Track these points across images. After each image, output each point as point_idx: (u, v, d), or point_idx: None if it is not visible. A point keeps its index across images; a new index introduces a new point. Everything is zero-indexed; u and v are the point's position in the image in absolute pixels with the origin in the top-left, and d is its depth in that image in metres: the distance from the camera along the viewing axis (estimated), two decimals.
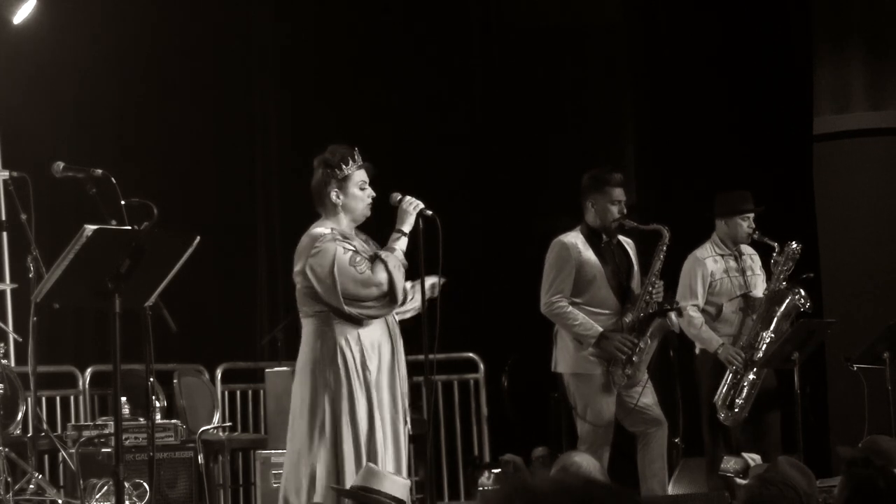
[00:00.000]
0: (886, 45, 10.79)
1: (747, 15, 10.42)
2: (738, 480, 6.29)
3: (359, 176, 6.51)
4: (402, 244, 6.51)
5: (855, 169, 10.90)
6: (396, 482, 6.00)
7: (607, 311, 7.81)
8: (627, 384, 7.76)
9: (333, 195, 6.48)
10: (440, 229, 6.40)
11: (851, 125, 10.83)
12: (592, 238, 7.88)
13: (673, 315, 8.00)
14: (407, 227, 6.51)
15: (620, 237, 7.96)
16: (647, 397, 7.82)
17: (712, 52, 10.49)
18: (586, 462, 5.83)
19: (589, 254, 7.82)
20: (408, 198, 6.55)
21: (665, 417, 7.90)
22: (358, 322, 6.40)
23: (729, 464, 6.46)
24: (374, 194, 6.54)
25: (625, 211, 7.84)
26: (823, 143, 10.67)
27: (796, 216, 10.12)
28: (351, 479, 6.19)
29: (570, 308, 7.76)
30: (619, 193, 7.85)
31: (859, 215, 10.73)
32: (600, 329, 7.72)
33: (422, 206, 6.54)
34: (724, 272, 8.41)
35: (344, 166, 6.48)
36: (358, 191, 6.51)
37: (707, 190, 8.67)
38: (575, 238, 7.87)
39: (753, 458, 6.49)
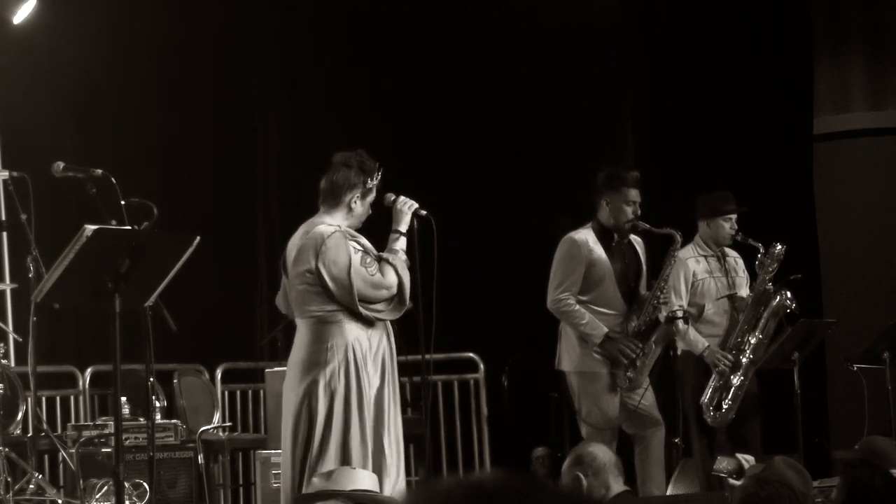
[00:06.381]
0: (886, 46, 10.79)
1: (747, 15, 10.43)
2: (732, 481, 6.28)
3: (374, 192, 6.55)
4: (401, 244, 6.53)
5: (855, 169, 10.90)
6: (366, 476, 5.99)
7: (613, 312, 7.79)
8: (629, 387, 7.75)
9: (354, 200, 6.50)
10: (435, 229, 6.42)
11: (851, 125, 10.83)
12: (604, 236, 7.84)
13: (680, 322, 7.98)
14: (404, 227, 6.53)
15: (631, 236, 7.93)
16: (646, 399, 7.81)
17: (712, 52, 10.50)
18: (602, 454, 5.79)
19: (599, 252, 7.78)
20: (402, 198, 6.57)
21: (663, 419, 7.89)
22: (369, 323, 6.40)
23: (722, 464, 6.45)
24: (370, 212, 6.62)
25: (639, 212, 7.81)
26: (823, 143, 10.67)
27: (796, 216, 10.13)
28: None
29: (578, 307, 7.73)
30: (634, 194, 7.81)
31: (859, 215, 10.73)
32: (606, 329, 7.70)
33: (416, 205, 6.56)
34: (706, 273, 8.37)
35: (374, 178, 6.52)
36: (369, 204, 6.55)
37: (706, 190, 8.67)
38: (586, 235, 7.83)
39: (747, 459, 6.48)
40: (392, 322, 6.59)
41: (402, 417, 6.59)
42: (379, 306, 6.42)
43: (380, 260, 6.46)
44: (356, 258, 6.36)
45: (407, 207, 6.55)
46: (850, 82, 10.81)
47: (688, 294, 8.30)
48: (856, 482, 4.48)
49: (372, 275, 6.37)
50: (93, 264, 5.65)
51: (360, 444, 6.31)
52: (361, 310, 6.35)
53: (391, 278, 6.41)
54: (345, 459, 6.26)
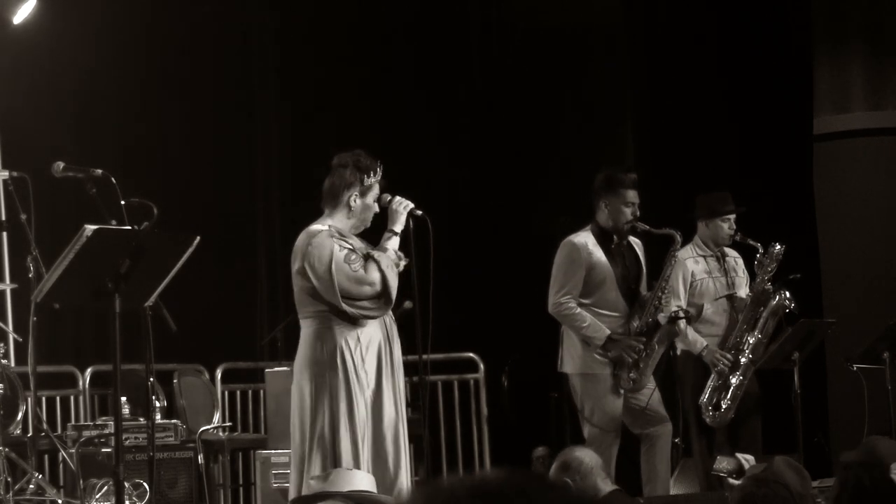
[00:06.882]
0: (886, 45, 10.78)
1: (747, 15, 10.43)
2: (732, 481, 6.29)
3: (377, 188, 6.56)
4: (393, 244, 6.54)
5: (855, 169, 10.90)
6: (364, 477, 6.00)
7: (616, 314, 7.78)
8: (633, 388, 7.74)
9: (352, 198, 6.51)
10: (431, 229, 6.44)
11: (851, 125, 10.82)
12: (603, 239, 7.83)
13: (682, 322, 7.98)
14: (398, 227, 6.55)
15: (630, 238, 7.93)
16: (653, 399, 7.81)
17: (712, 52, 10.50)
18: (588, 457, 5.82)
19: (599, 255, 7.77)
20: (398, 198, 6.59)
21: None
22: (355, 321, 6.41)
23: (722, 464, 6.45)
24: (377, 210, 6.61)
25: (638, 213, 7.80)
26: (823, 143, 10.67)
27: (796, 216, 10.13)
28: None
29: (579, 310, 7.72)
30: (633, 195, 7.80)
31: (859, 215, 10.72)
32: (608, 332, 7.69)
33: (412, 206, 6.57)
34: (705, 273, 8.37)
35: (372, 175, 6.52)
36: (372, 202, 6.55)
37: (706, 190, 8.67)
38: (585, 238, 7.82)
39: (747, 459, 6.49)
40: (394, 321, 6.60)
41: None
42: (364, 304, 6.43)
43: (368, 258, 6.48)
44: (339, 254, 6.39)
45: (402, 207, 6.56)
46: (850, 82, 10.81)
47: (686, 295, 8.31)
48: (846, 481, 4.48)
49: (355, 271, 6.39)
50: (93, 264, 5.66)
51: (350, 445, 6.31)
52: (346, 307, 6.36)
53: (374, 275, 6.42)
54: (336, 461, 6.28)
